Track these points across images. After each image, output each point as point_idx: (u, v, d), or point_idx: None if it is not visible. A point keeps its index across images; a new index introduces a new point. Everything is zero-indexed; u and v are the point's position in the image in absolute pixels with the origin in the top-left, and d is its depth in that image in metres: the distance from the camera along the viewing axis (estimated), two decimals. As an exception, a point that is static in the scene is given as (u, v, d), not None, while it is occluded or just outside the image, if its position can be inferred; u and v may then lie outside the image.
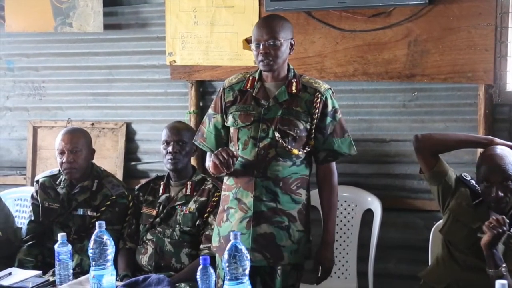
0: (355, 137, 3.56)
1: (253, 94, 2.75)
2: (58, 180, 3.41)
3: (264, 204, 2.69)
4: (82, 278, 2.59)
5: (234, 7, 3.74)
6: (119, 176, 3.99)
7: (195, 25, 3.83)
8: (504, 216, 2.52)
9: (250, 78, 2.80)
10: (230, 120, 2.77)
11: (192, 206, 3.19)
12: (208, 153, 2.91)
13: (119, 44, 4.11)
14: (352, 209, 3.66)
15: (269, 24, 2.70)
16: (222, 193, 2.85)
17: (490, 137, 3.05)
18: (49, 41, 4.24)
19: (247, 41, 3.49)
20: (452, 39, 3.40)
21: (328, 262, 2.83)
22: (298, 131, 2.70)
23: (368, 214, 3.62)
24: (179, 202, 3.21)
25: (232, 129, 2.78)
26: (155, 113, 4.07)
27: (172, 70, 3.94)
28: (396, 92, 3.63)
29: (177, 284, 2.97)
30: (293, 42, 2.76)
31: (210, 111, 2.89)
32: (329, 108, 2.76)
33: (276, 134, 2.68)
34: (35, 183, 3.49)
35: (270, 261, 2.71)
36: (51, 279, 2.68)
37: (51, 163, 4.13)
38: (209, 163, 2.79)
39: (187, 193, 3.23)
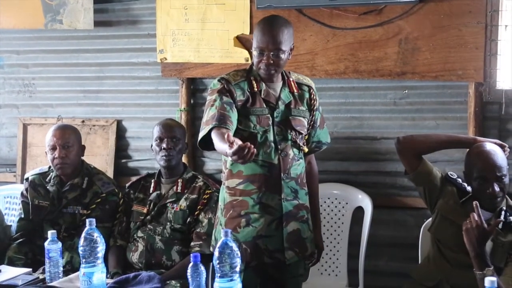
0: (346, 135, 3.60)
1: (262, 97, 2.74)
2: (48, 178, 3.40)
3: (290, 203, 2.75)
4: (72, 275, 2.59)
5: (225, 4, 3.73)
6: (110, 173, 3.98)
7: (186, 23, 3.83)
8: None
9: (252, 78, 2.76)
10: (246, 123, 2.71)
11: (183, 203, 3.19)
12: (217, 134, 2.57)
13: (109, 41, 4.09)
14: (343, 207, 3.66)
15: (275, 33, 2.65)
16: (232, 197, 2.77)
17: (472, 136, 3.07)
18: (39, 38, 4.23)
19: (238, 38, 3.50)
20: (442, 37, 3.41)
21: (322, 244, 3.00)
22: (305, 129, 2.81)
23: (358, 212, 3.62)
24: (170, 200, 3.21)
25: (246, 134, 2.69)
26: (146, 110, 4.06)
27: (163, 67, 3.93)
28: (386, 90, 3.64)
29: (168, 282, 2.97)
30: (293, 47, 2.76)
31: (228, 99, 2.65)
32: (317, 102, 2.88)
33: (293, 135, 2.74)
34: (25, 180, 3.48)
35: (300, 255, 2.79)
36: (41, 276, 2.67)
37: (41, 160, 4.12)
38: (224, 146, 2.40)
39: (178, 190, 3.23)
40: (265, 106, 2.73)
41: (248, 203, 2.74)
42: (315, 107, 2.84)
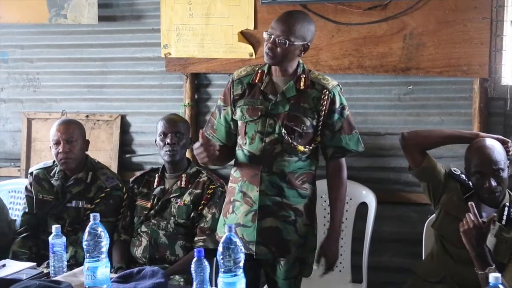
0: (350, 130, 3.57)
1: (261, 88, 2.75)
2: (52, 172, 3.40)
3: (269, 198, 2.71)
4: (76, 270, 2.59)
5: (230, -1, 3.73)
6: (114, 168, 3.99)
7: (190, 17, 3.82)
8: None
9: (259, 71, 2.79)
10: (238, 114, 2.78)
11: (186, 198, 3.19)
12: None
13: (113, 36, 4.09)
14: (347, 202, 3.63)
15: (288, 21, 2.66)
16: (229, 184, 2.86)
17: (475, 131, 3.07)
18: (43, 33, 4.23)
19: (242, 33, 3.48)
20: (447, 33, 3.40)
21: (334, 255, 2.83)
22: (305, 128, 2.70)
23: (362, 207, 3.62)
24: (174, 195, 3.22)
25: (239, 123, 2.79)
26: (150, 105, 4.07)
27: (167, 62, 3.93)
28: (391, 86, 3.63)
29: (172, 277, 2.98)
30: (307, 46, 2.71)
31: (220, 102, 2.88)
32: (337, 105, 2.74)
33: (283, 130, 2.68)
34: (29, 175, 3.48)
35: (275, 254, 2.73)
36: (45, 271, 2.67)
37: (45, 155, 4.13)
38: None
39: (182, 185, 3.23)
40: (260, 98, 2.74)
41: (235, 190, 2.79)
42: (324, 108, 2.70)
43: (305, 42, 2.70)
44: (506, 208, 2.70)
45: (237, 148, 2.83)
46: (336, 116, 2.74)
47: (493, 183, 2.66)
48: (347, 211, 3.65)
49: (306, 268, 2.91)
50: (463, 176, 2.88)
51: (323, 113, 2.72)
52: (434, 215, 2.97)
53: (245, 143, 2.75)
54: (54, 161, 3.43)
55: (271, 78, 2.76)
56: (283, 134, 2.68)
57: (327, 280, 3.57)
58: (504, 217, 2.69)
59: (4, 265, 2.73)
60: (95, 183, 3.35)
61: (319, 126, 2.73)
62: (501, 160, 2.69)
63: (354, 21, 3.53)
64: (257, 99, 2.74)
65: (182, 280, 2.99)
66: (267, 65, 2.78)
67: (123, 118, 4.12)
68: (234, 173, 2.82)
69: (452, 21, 3.39)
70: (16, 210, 3.86)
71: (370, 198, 3.58)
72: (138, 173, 3.48)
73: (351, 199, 3.65)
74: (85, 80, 4.19)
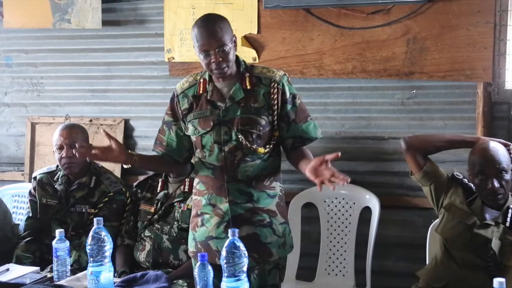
0: (354, 135, 3.58)
1: (208, 98, 2.66)
2: (56, 177, 3.41)
3: (240, 206, 2.63)
4: (79, 274, 2.60)
5: (233, 4, 3.73)
6: (117, 172, 3.98)
7: (193, 22, 3.82)
8: None
9: (201, 80, 2.70)
10: (190, 129, 2.68)
11: (190, 203, 3.18)
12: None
13: (117, 41, 4.10)
14: (350, 207, 3.65)
15: (213, 31, 2.55)
16: (194, 197, 2.78)
17: (476, 135, 3.07)
18: (47, 37, 4.24)
19: (246, 38, 3.47)
20: (451, 37, 3.40)
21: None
22: (261, 128, 2.62)
23: (366, 212, 3.61)
24: (177, 199, 3.22)
25: (194, 138, 2.69)
26: (153, 109, 4.06)
27: (170, 66, 3.94)
28: (394, 90, 3.63)
29: (175, 281, 2.98)
30: (235, 38, 2.65)
31: (169, 118, 2.77)
32: (287, 95, 2.65)
33: (239, 136, 2.60)
34: (32, 179, 3.49)
35: (259, 260, 2.64)
36: (48, 275, 2.68)
37: (49, 159, 4.13)
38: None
39: (185, 190, 3.23)
40: (209, 107, 2.64)
41: (201, 203, 2.70)
42: (276, 102, 2.61)
43: (233, 35, 2.63)
44: (510, 210, 2.71)
45: (196, 160, 2.75)
46: (289, 106, 2.65)
47: (496, 184, 2.67)
48: (350, 215, 3.64)
49: (284, 273, 2.84)
50: (466, 180, 2.89)
51: (275, 107, 2.63)
52: (438, 219, 2.97)
53: (205, 156, 2.66)
54: (57, 166, 3.44)
55: (215, 85, 2.66)
56: (240, 140, 2.60)
57: (331, 285, 3.58)
58: (508, 219, 2.69)
59: (7, 269, 2.74)
60: (99, 188, 3.36)
61: (274, 121, 2.65)
62: (504, 161, 2.70)
63: (357, 25, 3.53)
64: (206, 110, 2.64)
65: (185, 284, 2.99)
66: (207, 72, 2.68)
67: (126, 122, 4.12)
68: (197, 185, 2.73)
69: (455, 25, 3.38)
70: (20, 215, 3.87)
71: (373, 202, 3.57)
72: (141, 178, 3.49)
73: (354, 203, 3.64)
74: (88, 84, 4.19)
